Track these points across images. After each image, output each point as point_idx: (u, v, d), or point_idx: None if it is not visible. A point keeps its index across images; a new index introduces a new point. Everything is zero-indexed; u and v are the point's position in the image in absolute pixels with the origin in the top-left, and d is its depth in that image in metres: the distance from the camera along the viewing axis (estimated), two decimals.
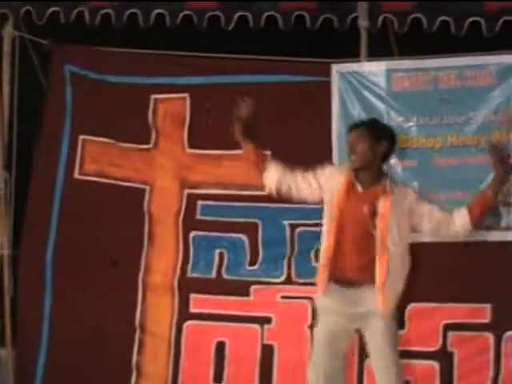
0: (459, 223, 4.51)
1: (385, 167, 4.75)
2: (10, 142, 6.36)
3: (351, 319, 4.63)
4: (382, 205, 4.58)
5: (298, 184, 4.77)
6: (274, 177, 4.72)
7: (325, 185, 4.74)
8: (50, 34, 6.26)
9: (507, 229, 5.72)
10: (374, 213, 4.60)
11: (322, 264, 4.66)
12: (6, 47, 6.22)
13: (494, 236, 5.71)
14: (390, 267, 4.56)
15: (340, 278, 4.55)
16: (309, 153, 5.87)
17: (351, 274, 4.55)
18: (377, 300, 4.53)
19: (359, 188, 4.66)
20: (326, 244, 4.68)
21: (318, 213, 5.51)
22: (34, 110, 6.54)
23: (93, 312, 6.11)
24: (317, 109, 6.01)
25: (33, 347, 6.21)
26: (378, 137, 4.66)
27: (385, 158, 4.71)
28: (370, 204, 4.61)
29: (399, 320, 5.30)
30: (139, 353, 6.11)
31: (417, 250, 5.36)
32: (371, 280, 4.51)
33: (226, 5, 5.95)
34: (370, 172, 4.67)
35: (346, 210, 4.63)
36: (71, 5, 6.04)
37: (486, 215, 4.61)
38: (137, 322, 6.09)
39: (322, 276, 4.61)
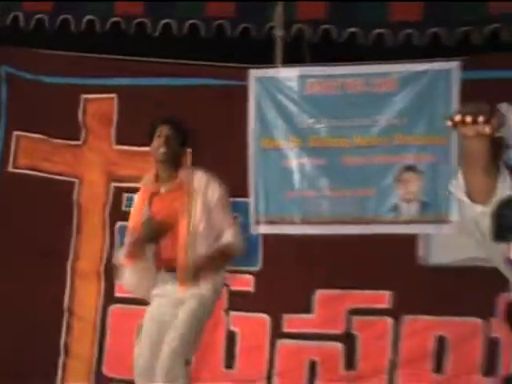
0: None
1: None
2: None
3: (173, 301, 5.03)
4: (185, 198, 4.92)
5: None
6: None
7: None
8: None
9: (406, 222, 6.21)
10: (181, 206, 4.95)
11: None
12: None
13: (395, 229, 6.21)
14: (189, 256, 4.88)
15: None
16: (227, 152, 6.46)
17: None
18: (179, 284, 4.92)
19: (162, 190, 5.01)
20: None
21: (236, 206, 6.00)
22: None
23: (24, 298, 6.48)
24: (235, 111, 6.42)
25: None
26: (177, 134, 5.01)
27: (182, 151, 5.09)
28: (174, 200, 4.96)
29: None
30: (67, 334, 6.48)
31: (321, 242, 6.20)
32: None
33: (152, 12, 6.35)
34: (170, 169, 5.02)
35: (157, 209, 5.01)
36: (6, 9, 6.41)
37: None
38: (65, 306, 6.46)
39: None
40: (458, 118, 2.47)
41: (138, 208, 5.15)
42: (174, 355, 4.84)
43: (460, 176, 2.64)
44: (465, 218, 2.68)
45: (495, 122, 2.50)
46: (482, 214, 2.61)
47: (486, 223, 2.61)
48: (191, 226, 4.95)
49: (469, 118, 2.45)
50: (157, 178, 5.10)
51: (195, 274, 4.91)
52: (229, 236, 5.05)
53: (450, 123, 2.52)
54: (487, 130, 2.46)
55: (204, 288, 4.98)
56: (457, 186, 2.69)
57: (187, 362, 4.92)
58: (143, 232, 4.88)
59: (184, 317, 4.94)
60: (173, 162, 5.09)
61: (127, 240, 5.11)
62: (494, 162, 2.58)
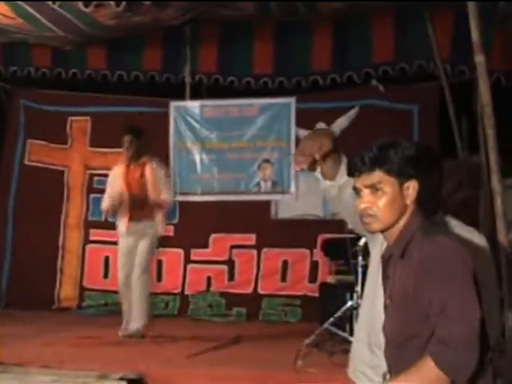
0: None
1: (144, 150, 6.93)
2: None
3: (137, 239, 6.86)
4: (147, 171, 6.90)
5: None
6: None
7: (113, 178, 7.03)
8: (12, 82, 8.98)
9: (264, 193, 8.59)
10: (142, 178, 6.85)
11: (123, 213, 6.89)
12: None
13: (258, 197, 8.59)
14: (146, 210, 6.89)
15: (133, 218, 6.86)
16: (159, 151, 8.11)
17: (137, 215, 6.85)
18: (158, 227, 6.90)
19: (132, 165, 6.92)
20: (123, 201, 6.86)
21: None
22: (2, 125, 9.12)
23: (36, 240, 8.63)
24: (161, 126, 8.61)
25: (1, 258, 8.90)
26: (139, 136, 6.94)
27: (143, 146, 6.90)
28: (139, 171, 6.90)
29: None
30: (62, 262, 8.77)
31: (213, 205, 8.41)
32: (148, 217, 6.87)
33: (111, 66, 8.65)
34: (136, 156, 6.91)
35: (127, 180, 6.89)
36: (23, 66, 8.79)
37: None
38: (60, 245, 8.84)
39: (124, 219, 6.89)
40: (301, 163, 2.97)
41: (119, 176, 6.94)
42: (142, 266, 6.88)
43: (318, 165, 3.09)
44: (321, 188, 3.15)
45: (322, 149, 2.96)
46: (331, 186, 3.08)
47: (334, 192, 3.06)
48: (148, 190, 6.86)
49: (305, 165, 3.00)
50: (128, 162, 6.94)
51: (149, 211, 6.77)
52: (165, 195, 6.98)
53: (297, 168, 3.12)
54: (318, 155, 2.94)
55: (154, 231, 6.92)
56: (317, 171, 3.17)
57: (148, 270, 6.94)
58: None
59: (144, 248, 6.91)
60: (137, 154, 6.95)
61: (107, 195, 6.94)
62: (336, 154, 3.01)
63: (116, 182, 7.08)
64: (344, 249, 6.53)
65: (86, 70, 8.90)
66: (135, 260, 6.90)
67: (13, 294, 8.75)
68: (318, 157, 2.99)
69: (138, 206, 6.93)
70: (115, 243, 8.04)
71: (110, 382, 4.98)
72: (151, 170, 7.01)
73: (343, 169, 3.06)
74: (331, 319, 6.19)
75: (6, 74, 8.94)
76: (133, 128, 7.13)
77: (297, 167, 3.14)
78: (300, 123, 8.07)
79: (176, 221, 8.81)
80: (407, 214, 2.73)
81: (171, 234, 8.69)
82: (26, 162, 9.12)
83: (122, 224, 7.00)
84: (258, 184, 8.67)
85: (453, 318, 2.51)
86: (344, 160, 3.06)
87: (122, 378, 4.95)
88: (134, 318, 6.86)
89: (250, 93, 8.74)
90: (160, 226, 7.07)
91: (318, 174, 3.16)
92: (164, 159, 8.39)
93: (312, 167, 3.06)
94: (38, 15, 6.64)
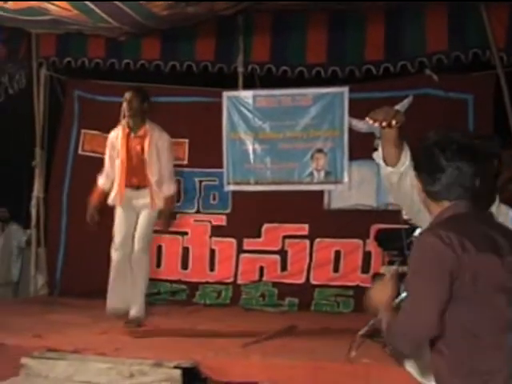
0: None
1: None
2: (43, 133, 9.09)
3: (133, 209, 6.63)
4: (147, 143, 6.53)
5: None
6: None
7: (110, 149, 6.67)
8: (67, 73, 9.08)
9: (317, 183, 8.53)
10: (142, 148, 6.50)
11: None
12: (43, 81, 9.03)
13: (311, 187, 8.52)
14: (153, 182, 6.55)
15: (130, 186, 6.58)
16: (211, 141, 8.67)
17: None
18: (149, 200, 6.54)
19: (132, 135, 6.57)
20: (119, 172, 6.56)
21: (214, 173, 8.65)
22: (57, 116, 9.23)
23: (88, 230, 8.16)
24: (215, 116, 8.67)
25: (56, 246, 9.01)
26: (143, 99, 6.64)
27: (146, 111, 6.59)
28: (140, 144, 6.55)
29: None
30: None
31: (266, 195, 8.40)
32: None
33: (164, 57, 8.74)
34: (137, 122, 6.57)
35: (128, 152, 6.56)
36: (77, 57, 8.92)
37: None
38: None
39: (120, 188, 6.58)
40: (379, 119, 3.03)
41: (114, 146, 6.63)
42: (143, 238, 6.67)
43: (379, 149, 3.20)
44: (381, 175, 3.22)
45: (397, 118, 3.02)
46: (392, 172, 3.10)
47: (394, 179, 3.09)
48: (149, 162, 6.58)
49: (384, 122, 3.05)
50: (129, 126, 6.60)
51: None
52: (167, 191, 6.70)
53: (374, 123, 3.11)
54: (394, 123, 3.02)
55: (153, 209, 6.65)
56: (377, 156, 3.25)
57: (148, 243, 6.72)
58: None
59: (145, 220, 6.68)
60: (138, 119, 6.61)
61: (105, 174, 6.78)
62: (399, 140, 3.07)
63: (115, 154, 6.82)
64: (398, 239, 6.47)
65: (139, 61, 8.98)
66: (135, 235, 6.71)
67: (67, 283, 8.88)
68: (394, 122, 3.03)
69: (137, 184, 6.77)
70: (168, 232, 8.22)
71: (165, 370, 5.03)
72: (155, 141, 6.71)
73: (404, 156, 3.10)
74: None
75: (61, 65, 9.09)
76: (136, 87, 6.88)
77: (370, 120, 3.16)
78: (353, 113, 8.26)
79: (228, 210, 8.91)
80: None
81: (224, 223, 8.84)
82: (80, 152, 9.20)
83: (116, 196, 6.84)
84: (311, 174, 8.65)
85: (402, 310, 2.84)
86: (406, 148, 3.11)
87: (176, 367, 5.00)
88: (134, 304, 6.75)
89: (302, 82, 8.72)
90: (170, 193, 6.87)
91: (379, 159, 3.21)
92: (217, 149, 8.65)
93: (385, 126, 3.08)
94: (93, 7, 6.71)
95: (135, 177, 6.68)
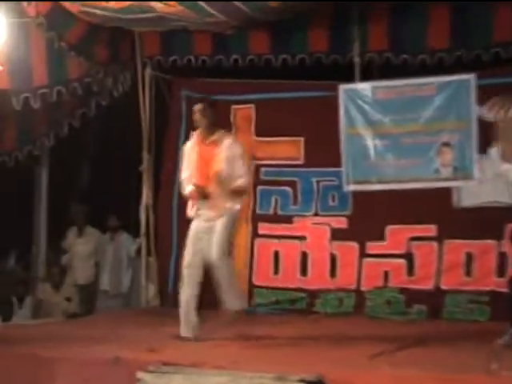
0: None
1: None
2: (150, 137, 9.21)
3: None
4: (218, 151, 6.67)
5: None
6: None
7: (187, 157, 6.87)
8: (171, 72, 9.21)
9: (445, 180, 8.34)
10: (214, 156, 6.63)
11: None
12: (148, 82, 9.17)
13: (437, 184, 8.33)
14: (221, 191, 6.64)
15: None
16: (328, 138, 8.67)
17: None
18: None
19: (206, 142, 6.76)
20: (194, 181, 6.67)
21: (333, 173, 8.66)
22: (164, 118, 9.40)
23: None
24: (330, 111, 8.62)
25: (167, 255, 9.11)
26: (207, 107, 6.79)
27: (214, 118, 6.74)
28: (211, 151, 6.70)
29: None
30: None
31: (389, 194, 8.33)
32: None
33: (274, 50, 8.82)
34: (208, 130, 6.77)
35: (200, 159, 6.73)
36: (183, 54, 9.07)
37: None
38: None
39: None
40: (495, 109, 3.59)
41: (190, 154, 6.83)
42: (220, 244, 6.60)
43: (498, 144, 3.43)
44: (498, 171, 3.53)
45: None
46: (508, 170, 3.35)
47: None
48: (219, 171, 6.66)
49: (501, 112, 3.54)
50: (202, 137, 6.81)
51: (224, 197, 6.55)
52: (240, 182, 6.76)
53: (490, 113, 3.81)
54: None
55: (228, 213, 6.69)
56: (495, 152, 3.58)
57: (228, 252, 6.68)
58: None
59: (221, 227, 6.65)
60: (210, 127, 6.82)
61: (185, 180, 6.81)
62: None
63: (190, 162, 6.99)
64: None
65: (247, 56, 9.11)
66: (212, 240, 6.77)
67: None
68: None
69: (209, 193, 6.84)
70: (285, 237, 8.58)
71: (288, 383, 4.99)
72: (226, 148, 6.87)
73: None
74: None
75: (166, 64, 9.24)
76: (202, 98, 7.15)
77: (486, 111, 3.11)
78: (481, 102, 8.09)
79: (349, 212, 8.95)
80: None
81: (344, 226, 8.88)
82: None
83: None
84: (437, 170, 8.49)
85: None
86: None
87: (300, 381, 4.99)
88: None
89: (423, 71, 8.66)
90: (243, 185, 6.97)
91: (496, 154, 3.09)
92: (335, 147, 8.61)
93: (501, 116, 3.01)
94: (199, 1, 6.81)
95: (206, 186, 6.82)
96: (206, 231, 6.76)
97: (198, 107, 6.85)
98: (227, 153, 6.77)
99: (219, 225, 6.72)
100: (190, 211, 6.96)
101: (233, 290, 6.85)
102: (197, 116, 6.87)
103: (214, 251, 6.64)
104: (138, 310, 9.32)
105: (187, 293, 6.75)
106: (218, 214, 6.74)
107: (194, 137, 6.95)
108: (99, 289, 10.79)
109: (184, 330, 6.74)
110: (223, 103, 8.87)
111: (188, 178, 6.91)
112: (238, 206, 6.84)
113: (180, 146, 8.85)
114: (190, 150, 6.99)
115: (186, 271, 6.80)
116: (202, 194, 6.67)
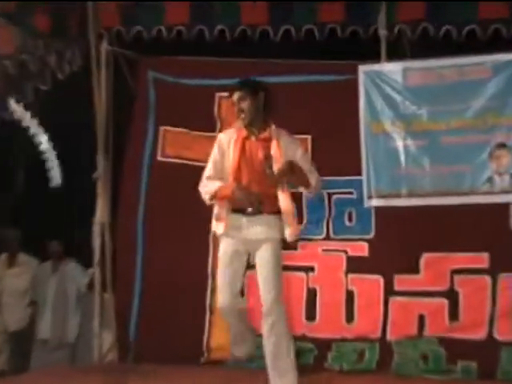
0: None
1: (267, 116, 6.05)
2: (107, 134, 8.09)
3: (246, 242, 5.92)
4: (274, 148, 5.95)
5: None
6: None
7: (220, 154, 6.08)
8: (135, 48, 8.10)
9: (500, 193, 7.40)
10: (268, 156, 5.92)
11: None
12: (103, 59, 8.01)
13: (490, 199, 7.41)
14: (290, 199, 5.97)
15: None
16: (342, 136, 7.72)
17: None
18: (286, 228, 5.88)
19: (252, 138, 6.00)
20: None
21: (349, 183, 7.61)
22: (125, 108, 8.31)
23: (173, 268, 7.78)
24: (346, 101, 7.70)
25: (128, 292, 7.98)
26: (255, 92, 6.02)
27: (265, 107, 6.02)
28: (263, 149, 5.98)
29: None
30: (211, 296, 7.68)
31: (425, 212, 7.45)
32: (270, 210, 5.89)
33: (274, 20, 7.74)
34: (257, 123, 6.02)
35: (244, 158, 6.00)
36: (150, 25, 7.94)
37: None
38: (209, 272, 7.74)
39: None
40: None
41: (234, 150, 6.03)
42: (276, 283, 5.83)
43: None
44: None
45: None
46: None
47: None
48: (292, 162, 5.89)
49: None
50: (247, 128, 6.06)
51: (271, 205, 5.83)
52: (312, 179, 5.95)
53: None
54: None
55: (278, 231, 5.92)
56: None
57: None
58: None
59: (272, 256, 5.90)
60: (257, 120, 6.05)
61: (208, 179, 6.08)
62: None
63: (225, 159, 6.14)
64: None
65: (237, 27, 8.01)
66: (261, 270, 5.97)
67: (144, 344, 7.97)
68: None
69: (256, 198, 5.94)
70: (287, 268, 6.97)
71: None
72: (280, 146, 6.04)
73: None
74: None
75: (128, 36, 8.14)
76: (246, 81, 6.27)
77: None
78: None
79: (371, 235, 7.89)
80: None
81: (365, 253, 7.89)
82: (160, 158, 8.23)
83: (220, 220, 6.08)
84: (491, 179, 7.52)
85: None
86: None
87: None
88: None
89: (472, 48, 7.62)
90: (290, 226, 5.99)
91: None
92: (353, 148, 7.66)
93: None
94: None
95: (255, 200, 5.95)
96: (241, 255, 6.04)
97: (237, 96, 6.02)
98: (289, 152, 5.97)
99: (269, 252, 5.95)
100: (217, 226, 6.08)
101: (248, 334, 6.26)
102: (244, 105, 5.98)
103: (267, 291, 5.88)
104: (89, 366, 8.21)
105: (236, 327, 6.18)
106: (271, 234, 5.94)
107: (234, 130, 6.17)
108: (36, 338, 9.66)
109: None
110: (204, 89, 8.06)
111: (215, 178, 6.07)
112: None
113: (146, 146, 8.19)
114: (224, 145, 6.13)
115: (223, 314, 6.10)
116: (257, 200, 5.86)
